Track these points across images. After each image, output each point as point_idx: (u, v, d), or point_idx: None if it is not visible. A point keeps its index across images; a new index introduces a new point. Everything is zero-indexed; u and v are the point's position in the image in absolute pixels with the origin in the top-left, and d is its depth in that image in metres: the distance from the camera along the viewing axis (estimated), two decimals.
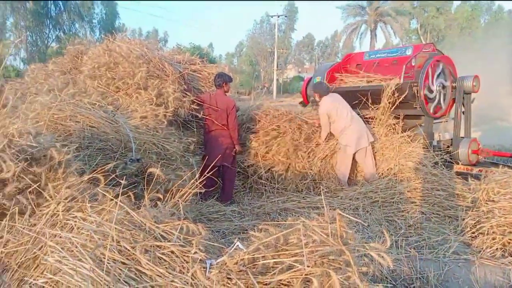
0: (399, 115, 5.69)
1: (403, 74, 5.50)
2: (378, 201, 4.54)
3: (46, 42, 34.55)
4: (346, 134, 5.23)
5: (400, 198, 4.55)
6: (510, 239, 3.23)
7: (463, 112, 6.02)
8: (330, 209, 4.44)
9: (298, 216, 2.02)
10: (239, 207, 4.59)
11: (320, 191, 4.98)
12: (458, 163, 5.67)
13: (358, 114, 5.51)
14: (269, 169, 5.20)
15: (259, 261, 1.66)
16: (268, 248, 1.75)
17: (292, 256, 1.68)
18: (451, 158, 5.65)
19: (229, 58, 65.30)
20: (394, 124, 5.60)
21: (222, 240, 3.23)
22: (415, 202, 4.48)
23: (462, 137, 5.87)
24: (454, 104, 5.98)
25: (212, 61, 47.45)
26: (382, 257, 1.74)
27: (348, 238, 1.85)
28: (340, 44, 51.55)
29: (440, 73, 5.69)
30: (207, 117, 4.86)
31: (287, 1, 55.41)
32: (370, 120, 5.68)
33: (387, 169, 5.24)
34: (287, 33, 58.97)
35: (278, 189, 5.07)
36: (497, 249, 3.24)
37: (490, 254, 3.20)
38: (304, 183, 5.08)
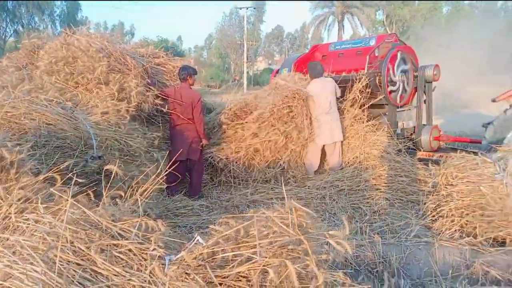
0: (364, 104, 5.81)
1: (367, 64, 5.60)
2: (344, 189, 4.63)
3: (3, 36, 32.90)
4: (321, 125, 5.24)
5: (366, 186, 4.66)
6: (467, 221, 3.36)
7: (424, 101, 6.21)
8: (297, 199, 4.56)
9: (264, 207, 2.03)
10: (208, 201, 4.56)
11: (288, 180, 5.02)
12: (420, 150, 5.86)
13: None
14: (238, 161, 5.19)
15: (218, 254, 1.65)
16: (228, 241, 1.74)
17: (251, 248, 1.69)
18: (414, 145, 5.84)
19: (198, 51, 64.46)
20: (360, 114, 5.71)
21: (189, 235, 3.20)
22: (379, 189, 4.60)
23: (424, 125, 6.06)
24: (417, 93, 6.16)
25: (180, 54, 46.80)
26: (341, 244, 1.77)
27: (308, 227, 1.87)
28: (309, 35, 51.88)
29: (402, 62, 5.83)
30: (172, 112, 4.77)
31: None
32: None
33: (353, 158, 5.34)
34: (256, 25, 58.74)
35: (246, 180, 5.06)
36: (455, 230, 3.37)
37: (449, 236, 3.33)
38: (272, 173, 5.09)
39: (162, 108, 4.73)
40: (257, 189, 4.81)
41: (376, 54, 5.71)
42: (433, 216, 3.63)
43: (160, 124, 5.06)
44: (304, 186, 4.84)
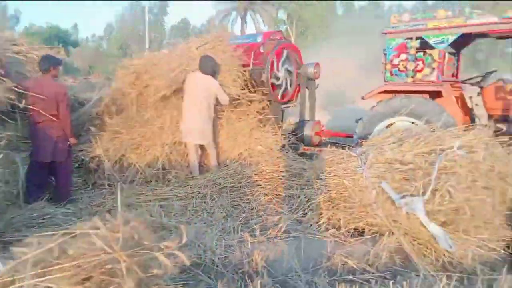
0: (251, 100, 5.82)
1: (252, 60, 5.60)
2: (226, 186, 4.55)
3: None
4: (183, 120, 5.00)
5: (247, 182, 4.64)
6: (334, 213, 3.52)
7: (308, 98, 6.47)
8: (176, 199, 4.36)
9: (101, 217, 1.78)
10: (76, 207, 4.11)
11: (170, 180, 4.80)
12: (303, 145, 6.09)
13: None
14: (116, 161, 4.80)
15: (18, 283, 1.37)
16: (36, 264, 1.47)
17: (63, 272, 1.44)
18: (297, 140, 6.04)
19: (97, 41, 59.94)
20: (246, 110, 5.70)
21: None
22: (260, 185, 4.62)
23: (307, 120, 6.31)
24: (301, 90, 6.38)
25: (74, 44, 42.91)
26: (175, 255, 1.62)
27: (142, 240, 1.68)
28: (215, 30, 51.58)
29: (286, 60, 5.96)
30: (32, 107, 4.18)
31: None
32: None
33: (238, 154, 5.31)
34: (160, 17, 56.59)
35: (124, 181, 4.70)
36: (323, 223, 3.50)
37: (317, 228, 3.44)
38: (152, 173, 4.81)
39: (19, 104, 4.11)
40: (134, 191, 4.48)
41: (261, 51, 5.74)
42: (304, 210, 3.73)
43: (19, 122, 4.41)
44: (186, 186, 4.65)
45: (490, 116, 4.69)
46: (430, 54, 4.42)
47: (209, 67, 4.90)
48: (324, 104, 10.84)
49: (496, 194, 2.91)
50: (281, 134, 5.69)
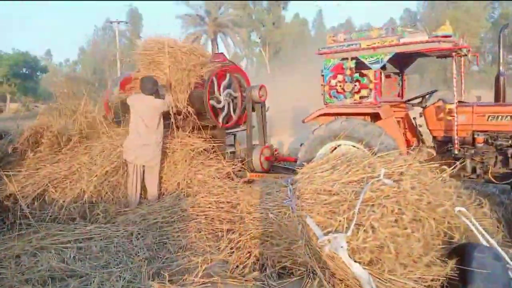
0: (194, 126, 5.52)
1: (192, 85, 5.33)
2: (158, 222, 4.16)
3: None
4: (128, 141, 4.69)
5: (181, 216, 4.26)
6: (262, 252, 3.19)
7: (257, 121, 6.21)
8: (100, 240, 3.94)
9: None
10: None
11: (98, 216, 4.38)
12: (252, 171, 5.77)
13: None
14: (35, 198, 4.37)
15: None
16: None
17: None
18: (243, 167, 5.72)
19: (72, 65, 59.05)
20: (189, 137, 5.39)
21: None
22: (196, 219, 4.25)
23: (255, 145, 6.02)
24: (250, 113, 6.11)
25: (43, 70, 41.88)
26: None
27: None
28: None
29: (229, 83, 5.72)
30: None
31: (128, 7, 53.07)
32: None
33: (177, 184, 4.95)
34: (133, 40, 56.25)
35: (44, 220, 4.26)
36: (250, 263, 3.16)
37: (240, 270, 3.09)
38: (78, 208, 4.38)
39: None
40: (52, 231, 4.02)
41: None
42: (231, 248, 3.38)
43: None
44: (114, 223, 4.24)
45: (434, 137, 4.53)
46: (366, 75, 4.24)
47: (151, 87, 4.76)
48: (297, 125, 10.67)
49: (426, 227, 2.64)
50: (227, 161, 5.40)
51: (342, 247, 2.54)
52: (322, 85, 4.52)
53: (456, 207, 2.74)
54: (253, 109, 6.02)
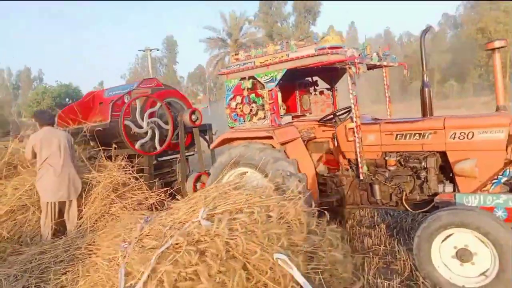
0: (125, 155, 5.35)
1: (110, 112, 5.17)
2: (42, 263, 3.92)
3: None
4: (43, 179, 4.54)
5: (73, 255, 4.01)
6: None
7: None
8: None
9: None
10: None
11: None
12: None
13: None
14: None
15: None
16: None
17: None
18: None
19: None
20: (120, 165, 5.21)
21: None
22: (87, 258, 3.98)
23: (191, 172, 5.73)
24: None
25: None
26: None
27: None
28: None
29: (153, 107, 5.51)
30: None
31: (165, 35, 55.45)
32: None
33: (89, 217, 4.72)
34: (170, 66, 58.56)
35: None
36: None
37: None
38: None
39: None
40: None
41: (125, 100, 5.32)
42: None
43: None
44: (4, 263, 4.06)
45: (348, 160, 3.96)
46: (261, 95, 3.82)
47: (51, 117, 4.78)
48: None
49: (237, 280, 2.19)
50: (154, 191, 5.15)
51: None
52: (225, 107, 4.16)
53: (277, 253, 2.27)
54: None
